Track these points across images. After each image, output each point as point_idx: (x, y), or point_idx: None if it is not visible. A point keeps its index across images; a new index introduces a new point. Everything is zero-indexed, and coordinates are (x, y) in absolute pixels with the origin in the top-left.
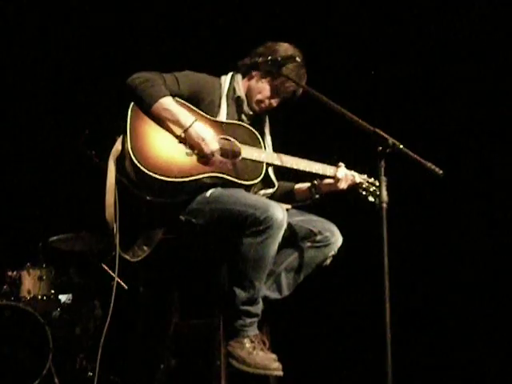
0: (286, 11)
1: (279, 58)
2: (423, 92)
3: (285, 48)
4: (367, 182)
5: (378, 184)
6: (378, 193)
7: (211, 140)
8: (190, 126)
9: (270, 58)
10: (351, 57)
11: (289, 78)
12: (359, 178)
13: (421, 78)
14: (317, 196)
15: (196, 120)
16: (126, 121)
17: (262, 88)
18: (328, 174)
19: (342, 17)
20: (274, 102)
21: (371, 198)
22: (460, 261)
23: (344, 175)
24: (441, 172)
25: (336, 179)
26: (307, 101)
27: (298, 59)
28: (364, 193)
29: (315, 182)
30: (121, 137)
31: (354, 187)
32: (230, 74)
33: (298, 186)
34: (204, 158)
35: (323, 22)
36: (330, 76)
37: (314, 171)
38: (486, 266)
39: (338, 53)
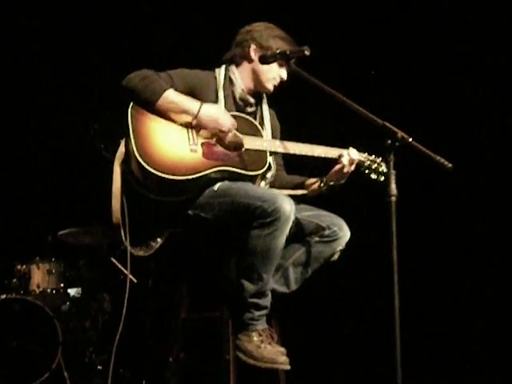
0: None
1: (288, 52)
2: (432, 84)
3: (258, 25)
4: (369, 159)
5: (379, 160)
6: (380, 169)
7: (225, 116)
8: (199, 110)
9: (278, 51)
10: (359, 50)
11: (298, 72)
12: (359, 155)
13: (429, 71)
14: (324, 188)
15: (203, 104)
16: (127, 123)
17: (270, 68)
18: (330, 156)
19: (351, 8)
20: (284, 73)
21: (374, 176)
22: (469, 254)
23: (347, 154)
24: (450, 165)
25: (339, 161)
26: (315, 94)
27: (307, 52)
28: (367, 171)
29: (323, 178)
30: (124, 139)
31: (357, 165)
32: (224, 66)
33: (309, 181)
34: (221, 137)
35: (331, 12)
36: (338, 69)
37: (316, 155)
38: (496, 259)
39: (347, 45)
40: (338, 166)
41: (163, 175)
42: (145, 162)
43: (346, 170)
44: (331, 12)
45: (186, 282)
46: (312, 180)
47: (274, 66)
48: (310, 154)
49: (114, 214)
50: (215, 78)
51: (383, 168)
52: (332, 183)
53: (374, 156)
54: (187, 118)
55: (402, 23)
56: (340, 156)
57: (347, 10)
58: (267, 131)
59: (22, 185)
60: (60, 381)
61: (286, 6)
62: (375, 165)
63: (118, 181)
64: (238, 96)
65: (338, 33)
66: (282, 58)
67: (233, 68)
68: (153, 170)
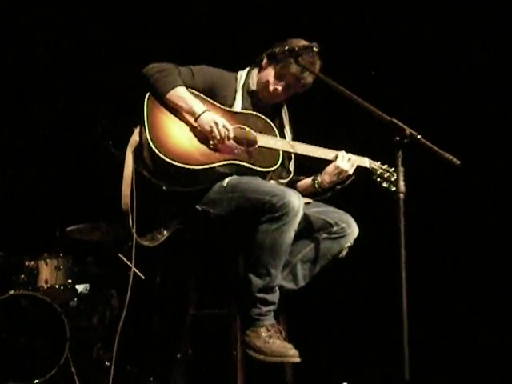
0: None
1: (296, 48)
2: (440, 81)
3: (301, 40)
4: (381, 168)
5: (392, 170)
6: (392, 179)
7: (223, 124)
8: (202, 113)
9: (287, 47)
10: (367, 46)
11: (306, 68)
12: (370, 164)
13: (437, 67)
14: (319, 189)
15: (208, 109)
16: (143, 111)
17: (267, 74)
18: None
19: (358, 7)
20: (280, 88)
21: (385, 185)
22: (477, 250)
23: (343, 156)
24: (458, 162)
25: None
26: (324, 91)
27: (315, 49)
28: (378, 179)
29: (317, 177)
30: (138, 127)
31: (368, 173)
32: (247, 69)
33: (300, 178)
34: (217, 146)
35: (337, 8)
36: (345, 65)
37: (330, 158)
38: (505, 255)
39: (353, 41)
40: (332, 166)
41: (174, 163)
42: (157, 148)
43: (343, 166)
44: (337, 7)
45: (194, 278)
46: (303, 177)
47: (271, 74)
48: (323, 156)
49: (124, 199)
50: (236, 79)
51: (395, 178)
52: (326, 184)
53: (386, 166)
54: (190, 117)
55: (409, 19)
56: (336, 157)
57: (353, 6)
58: (288, 136)
59: (30, 181)
60: (67, 377)
61: (289, 5)
62: (387, 174)
63: (129, 167)
64: (255, 100)
65: (343, 28)
66: (290, 55)
67: (254, 72)
68: (164, 157)
